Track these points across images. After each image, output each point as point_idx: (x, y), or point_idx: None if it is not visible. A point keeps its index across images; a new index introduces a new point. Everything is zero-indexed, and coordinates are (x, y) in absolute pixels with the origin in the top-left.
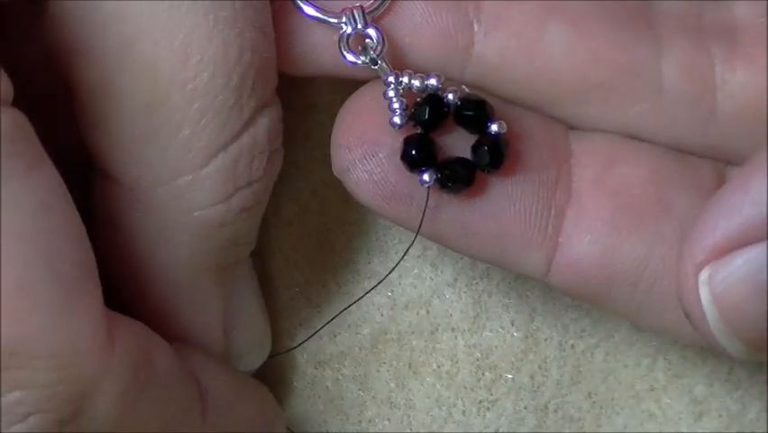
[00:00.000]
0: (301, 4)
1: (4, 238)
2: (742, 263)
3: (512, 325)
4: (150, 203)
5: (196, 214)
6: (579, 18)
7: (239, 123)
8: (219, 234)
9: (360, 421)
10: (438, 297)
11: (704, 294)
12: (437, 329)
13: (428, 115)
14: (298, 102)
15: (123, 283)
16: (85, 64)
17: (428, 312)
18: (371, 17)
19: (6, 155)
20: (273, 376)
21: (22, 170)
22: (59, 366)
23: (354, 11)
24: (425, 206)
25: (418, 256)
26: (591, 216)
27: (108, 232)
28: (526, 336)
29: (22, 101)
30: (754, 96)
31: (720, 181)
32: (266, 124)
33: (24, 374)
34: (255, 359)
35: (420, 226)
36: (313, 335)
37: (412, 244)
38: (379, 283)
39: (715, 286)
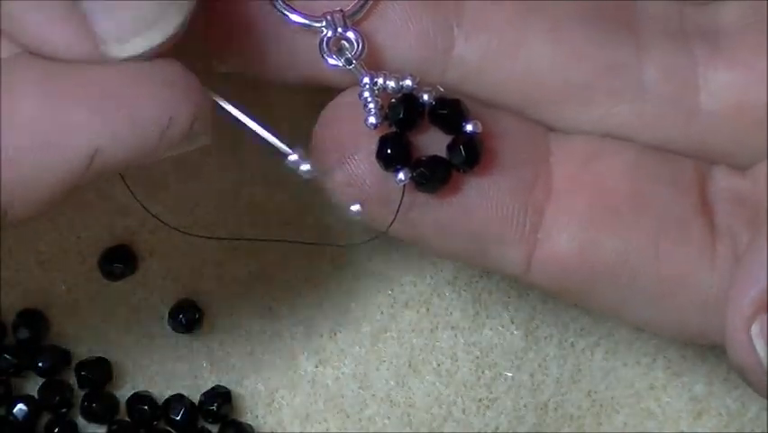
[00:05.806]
0: (286, 13)
1: None
2: None
3: (512, 323)
4: None
5: None
6: (559, 20)
7: None
8: None
9: (360, 419)
10: (438, 295)
11: (759, 346)
12: (437, 327)
13: (403, 114)
14: (297, 99)
15: None
16: None
17: (428, 310)
18: (351, 21)
19: None
20: (274, 373)
21: None
22: None
23: (334, 15)
24: (400, 202)
25: (418, 254)
26: (569, 211)
27: None
28: (526, 335)
29: None
30: (737, 96)
31: (702, 180)
32: None
33: None
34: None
35: (393, 222)
36: None
37: (378, 236)
38: None
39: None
